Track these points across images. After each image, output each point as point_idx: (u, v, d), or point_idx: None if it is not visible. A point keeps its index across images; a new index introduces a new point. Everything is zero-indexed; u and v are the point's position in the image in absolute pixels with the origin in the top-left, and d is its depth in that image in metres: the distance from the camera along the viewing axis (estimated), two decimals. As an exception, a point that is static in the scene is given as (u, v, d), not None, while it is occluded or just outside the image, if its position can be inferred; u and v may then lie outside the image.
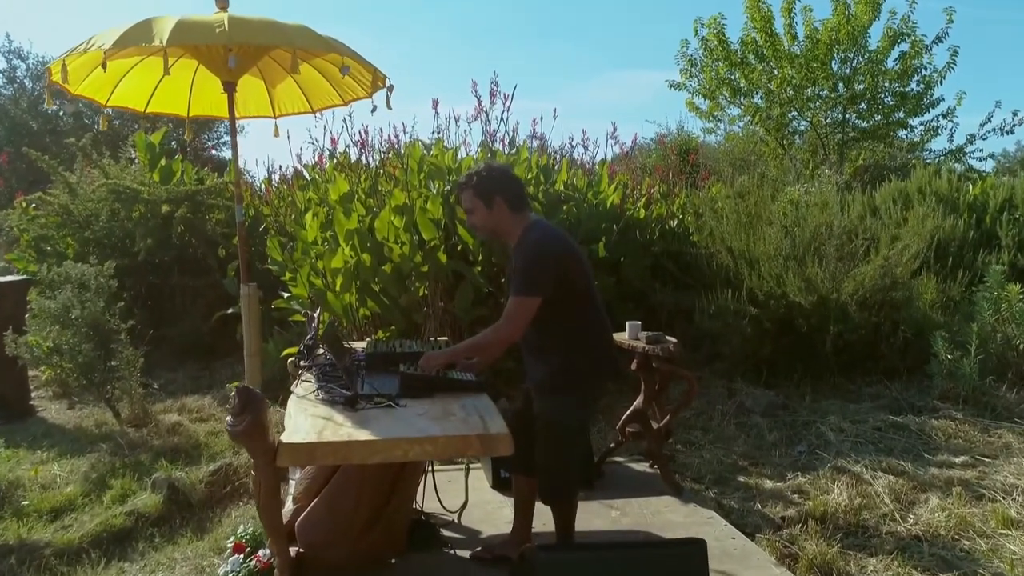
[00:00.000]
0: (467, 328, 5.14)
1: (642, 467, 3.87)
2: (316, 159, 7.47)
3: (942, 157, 11.22)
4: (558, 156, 6.27)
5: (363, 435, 1.94)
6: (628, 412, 3.62)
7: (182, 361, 7.48)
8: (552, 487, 2.55)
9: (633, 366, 3.63)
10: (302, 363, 2.76)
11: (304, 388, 2.48)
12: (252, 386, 4.02)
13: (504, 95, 5.49)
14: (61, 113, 18.97)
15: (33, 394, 6.55)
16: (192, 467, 4.26)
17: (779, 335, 4.83)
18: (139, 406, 5.43)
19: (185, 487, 3.89)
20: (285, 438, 1.94)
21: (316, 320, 3.77)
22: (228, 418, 1.88)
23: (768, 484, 3.68)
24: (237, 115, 4.79)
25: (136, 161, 8.23)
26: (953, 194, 7.08)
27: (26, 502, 3.91)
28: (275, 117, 4.86)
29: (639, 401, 3.64)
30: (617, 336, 3.70)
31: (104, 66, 3.25)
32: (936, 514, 3.12)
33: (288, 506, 2.87)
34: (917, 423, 4.13)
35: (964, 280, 5.40)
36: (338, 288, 4.90)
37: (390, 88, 4.15)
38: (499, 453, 2.00)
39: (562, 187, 5.55)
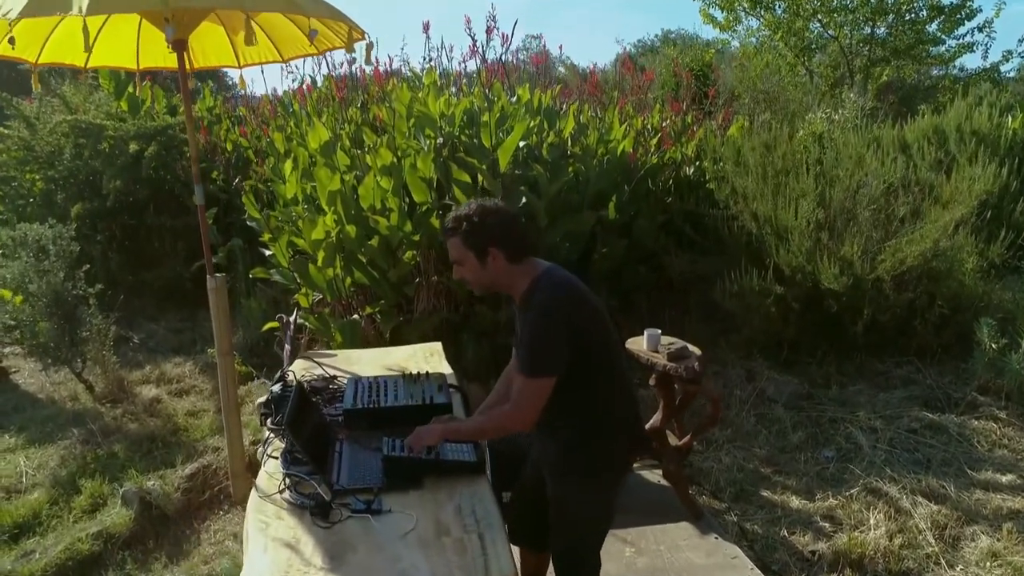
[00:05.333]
0: (463, 300, 4.71)
1: (656, 476, 3.55)
2: (295, 93, 6.80)
3: (974, 75, 10.37)
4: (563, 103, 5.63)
5: (334, 590, 1.56)
6: (646, 428, 3.24)
7: (163, 309, 7.10)
8: None
9: (651, 382, 3.23)
10: (269, 422, 2.35)
11: (271, 472, 2.08)
12: (227, 385, 3.65)
13: (503, 35, 4.80)
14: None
15: (7, 350, 6.20)
16: (167, 468, 3.94)
17: (804, 312, 4.41)
18: (113, 379, 5.07)
19: (159, 499, 3.58)
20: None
21: (291, 327, 3.34)
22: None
23: (795, 502, 3.37)
24: (196, 65, 4.16)
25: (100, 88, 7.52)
26: (994, 131, 6.46)
27: (-14, 516, 3.60)
28: (239, 67, 4.23)
29: (656, 418, 3.26)
30: (633, 345, 3.29)
31: (12, 42, 2.64)
32: (987, 562, 2.81)
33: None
34: (956, 424, 3.78)
35: (1006, 241, 4.92)
36: (320, 263, 4.43)
37: (369, 45, 3.55)
38: (504, 605, 1.62)
39: (569, 140, 4.97)
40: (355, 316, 4.56)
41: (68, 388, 5.23)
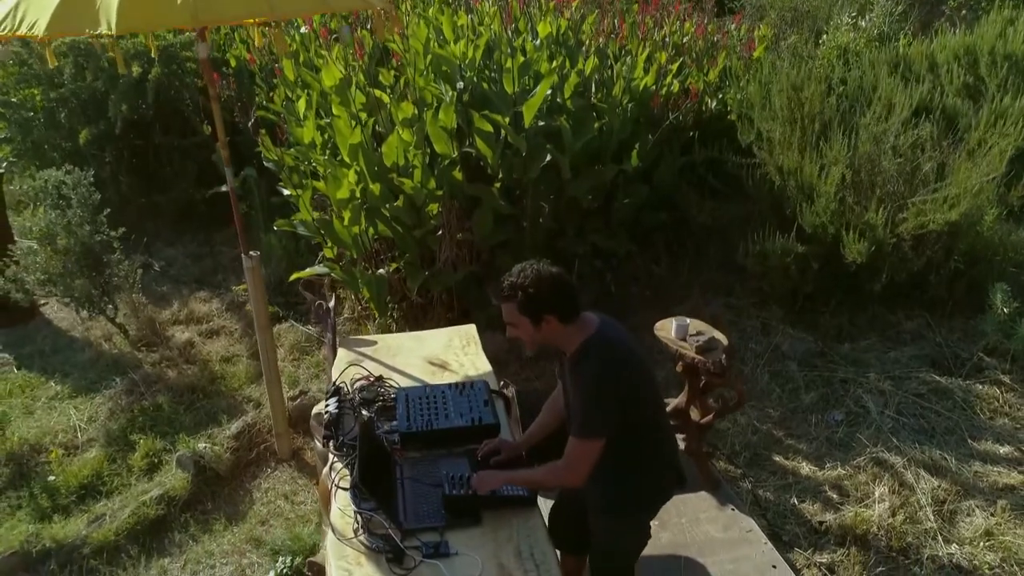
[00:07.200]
0: (485, 250, 4.77)
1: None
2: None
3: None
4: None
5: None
6: (668, 409, 3.44)
7: (179, 232, 7.14)
8: None
9: (678, 368, 3.39)
10: (331, 445, 2.51)
11: (342, 507, 2.26)
12: (268, 357, 3.80)
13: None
14: None
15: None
16: (214, 426, 4.18)
17: (823, 268, 4.50)
18: (146, 321, 5.23)
19: (211, 461, 3.84)
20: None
21: (332, 314, 3.45)
22: None
23: (805, 469, 3.63)
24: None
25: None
26: (1028, 52, 6.25)
27: (52, 477, 3.87)
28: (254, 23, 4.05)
29: (681, 400, 3.45)
30: (661, 331, 3.41)
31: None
32: (980, 541, 3.09)
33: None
34: (961, 389, 3.98)
35: (1025, 185, 4.90)
36: (347, 222, 4.46)
37: (388, 16, 3.39)
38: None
39: (593, 85, 4.84)
40: (381, 271, 4.64)
41: (101, 327, 5.39)
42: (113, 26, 2.43)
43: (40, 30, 2.48)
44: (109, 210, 5.08)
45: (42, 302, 6.00)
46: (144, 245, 6.14)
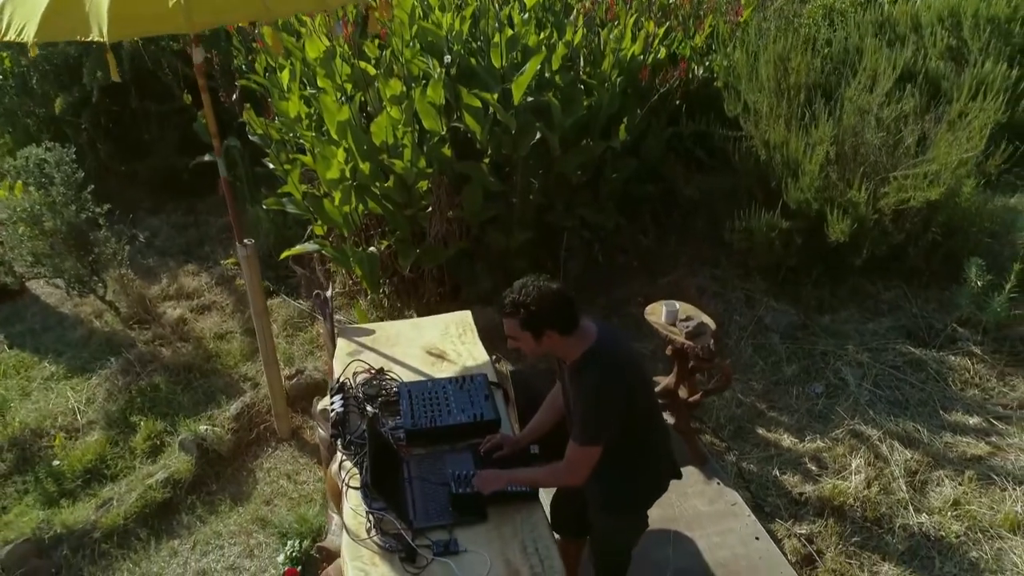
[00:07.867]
0: (474, 225, 4.81)
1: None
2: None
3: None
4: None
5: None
6: (658, 389, 3.57)
7: (161, 201, 7.07)
8: None
9: (668, 351, 3.51)
10: (340, 443, 2.61)
11: (354, 507, 2.37)
12: (266, 341, 3.86)
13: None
14: None
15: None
16: (213, 407, 4.26)
17: (806, 242, 4.60)
18: (136, 298, 5.23)
19: (213, 443, 3.93)
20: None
21: (330, 306, 3.50)
22: None
23: (786, 441, 3.81)
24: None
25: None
26: (1011, 15, 6.29)
27: (57, 461, 3.95)
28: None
29: (670, 380, 3.58)
30: (652, 315, 3.52)
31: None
32: (947, 513, 3.30)
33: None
34: (935, 360, 4.15)
35: (1005, 152, 4.99)
36: (337, 202, 4.46)
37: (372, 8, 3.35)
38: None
39: (581, 58, 4.81)
40: (372, 249, 4.67)
41: (91, 304, 5.39)
42: (105, 32, 2.39)
43: (29, 36, 2.44)
44: (93, 186, 5.02)
45: (26, 278, 5.97)
46: (129, 218, 6.07)
